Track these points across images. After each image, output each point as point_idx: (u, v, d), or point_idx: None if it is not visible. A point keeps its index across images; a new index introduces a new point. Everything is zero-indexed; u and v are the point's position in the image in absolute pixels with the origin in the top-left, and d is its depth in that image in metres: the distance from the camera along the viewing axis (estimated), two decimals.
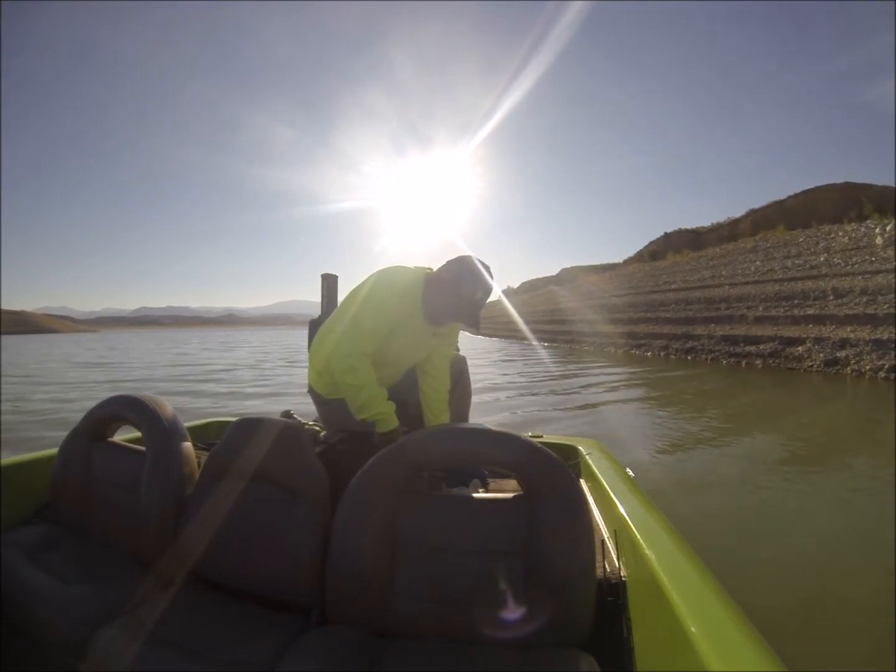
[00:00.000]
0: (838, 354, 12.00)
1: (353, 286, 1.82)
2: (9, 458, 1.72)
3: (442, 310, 1.69)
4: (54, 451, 1.74)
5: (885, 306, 12.33)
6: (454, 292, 1.65)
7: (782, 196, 36.75)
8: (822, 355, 12.28)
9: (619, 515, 1.25)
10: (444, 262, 1.72)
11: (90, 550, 1.51)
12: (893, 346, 10.97)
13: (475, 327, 1.70)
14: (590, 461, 1.81)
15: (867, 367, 11.02)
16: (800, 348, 13.13)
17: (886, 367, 10.61)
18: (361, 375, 1.57)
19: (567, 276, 55.32)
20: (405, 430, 1.74)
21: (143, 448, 1.58)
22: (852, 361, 11.53)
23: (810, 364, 12.31)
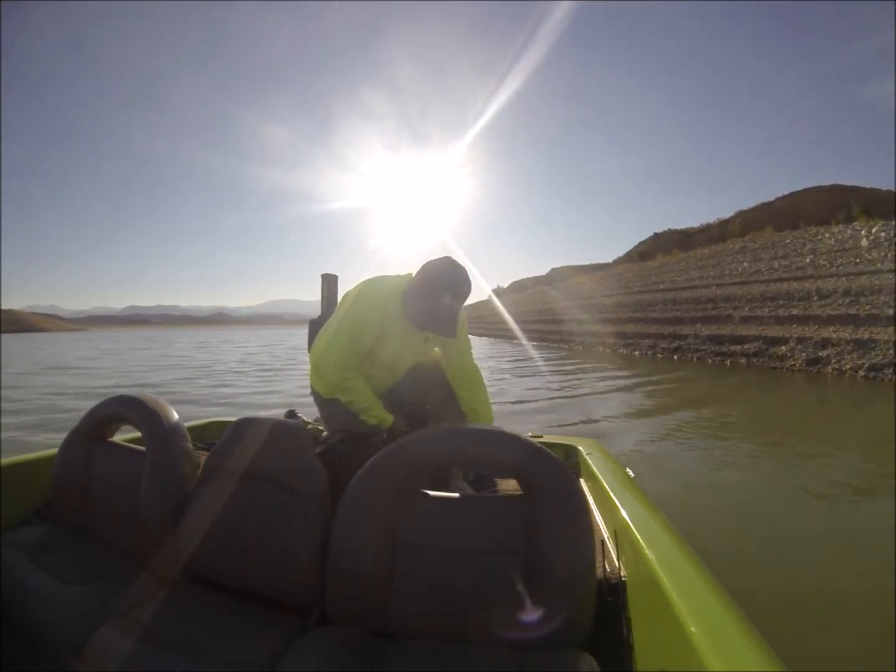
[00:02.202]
0: (820, 354, 12.22)
1: (350, 285, 1.84)
2: (9, 458, 1.71)
3: (419, 318, 1.68)
4: (54, 451, 1.74)
5: (867, 307, 12.55)
6: (424, 298, 1.64)
7: (771, 198, 37.13)
8: (804, 354, 12.50)
9: (619, 515, 1.25)
10: (421, 267, 1.69)
11: (90, 550, 1.50)
12: (874, 345, 11.15)
13: (448, 335, 1.67)
14: (590, 461, 1.82)
15: (847, 367, 11.25)
16: (783, 348, 13.35)
17: (866, 366, 10.83)
18: (352, 392, 1.68)
19: (557, 276, 55.49)
20: (406, 429, 1.76)
21: (143, 448, 1.58)
22: (833, 361, 11.75)
23: (793, 363, 12.53)
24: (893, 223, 16.01)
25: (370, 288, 1.71)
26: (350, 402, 1.69)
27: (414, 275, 1.72)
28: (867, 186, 32.71)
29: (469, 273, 1.70)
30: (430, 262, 1.68)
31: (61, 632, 1.13)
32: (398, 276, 1.76)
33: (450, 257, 1.68)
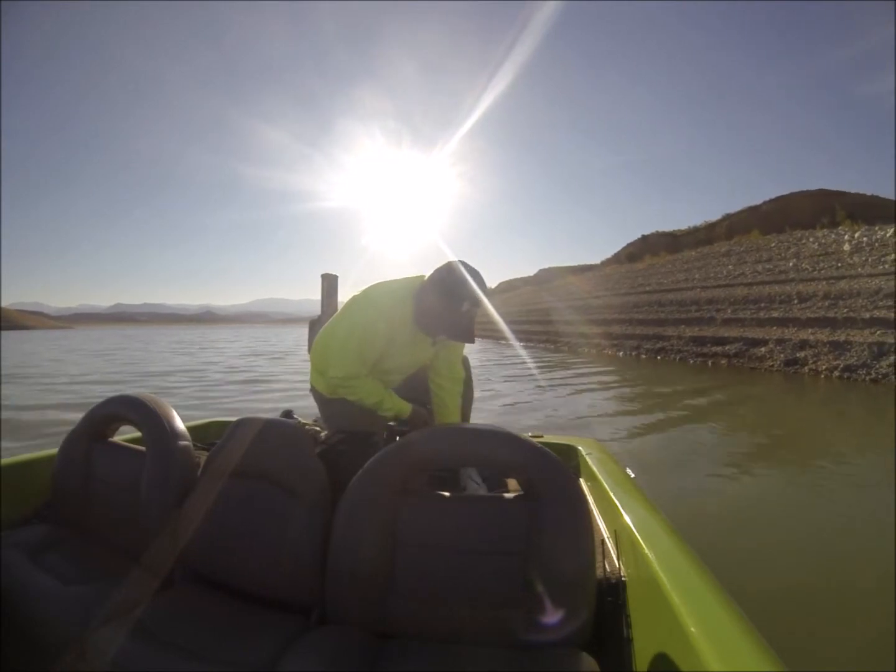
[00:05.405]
0: (798, 355, 12.53)
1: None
2: (9, 458, 1.71)
3: (434, 325, 1.65)
4: (54, 451, 1.73)
5: (845, 310, 12.82)
6: (444, 308, 1.59)
7: (758, 201, 37.59)
8: (782, 356, 12.80)
9: (619, 515, 1.26)
10: (432, 272, 1.64)
11: (90, 550, 1.50)
12: (849, 347, 11.36)
13: (470, 341, 1.66)
14: (589, 461, 1.83)
15: (823, 367, 11.55)
16: (763, 349, 13.64)
17: (841, 366, 11.10)
18: (358, 391, 1.65)
19: (545, 277, 55.68)
20: (405, 429, 1.77)
21: (143, 448, 1.58)
22: (810, 361, 12.04)
23: (771, 364, 12.81)
24: (876, 228, 16.28)
25: (378, 295, 1.67)
26: (359, 400, 1.66)
27: (426, 280, 1.66)
28: (852, 191, 33.21)
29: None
30: (443, 267, 1.62)
31: (61, 632, 1.12)
32: (405, 279, 1.72)
33: (462, 261, 1.63)
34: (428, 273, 1.67)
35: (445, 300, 1.58)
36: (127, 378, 13.97)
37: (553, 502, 1.10)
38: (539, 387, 10.56)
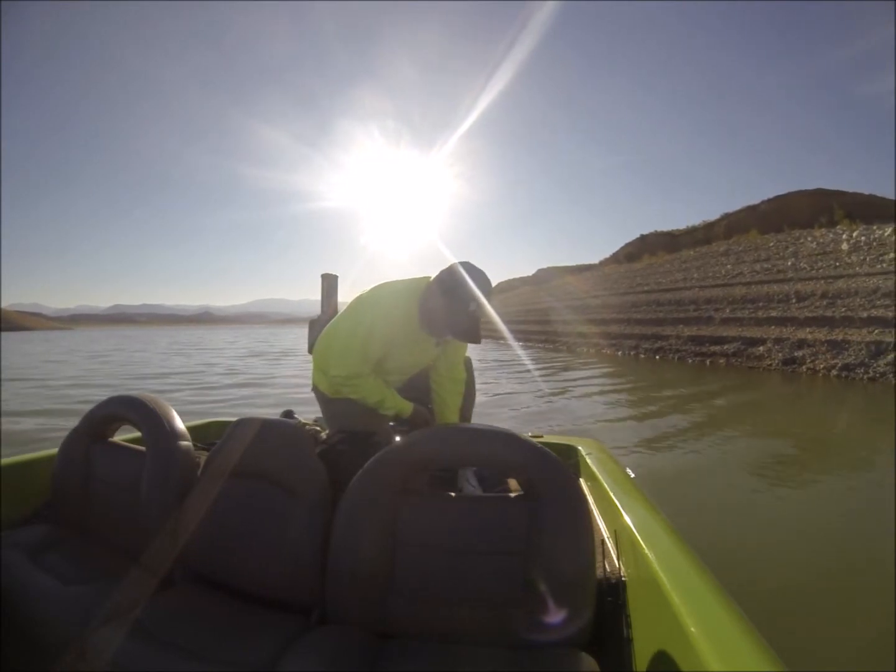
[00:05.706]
0: (796, 354, 12.57)
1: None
2: (9, 458, 1.71)
3: (440, 326, 1.66)
4: (54, 451, 1.73)
5: (843, 309, 12.85)
6: (450, 310, 1.59)
7: (756, 200, 37.57)
8: (780, 355, 12.85)
9: (619, 515, 1.27)
10: (438, 273, 1.64)
11: (90, 550, 1.50)
12: (847, 346, 11.38)
13: (475, 341, 1.66)
14: (589, 461, 1.84)
15: (821, 366, 11.59)
16: (761, 348, 13.69)
17: (839, 365, 11.14)
18: (360, 390, 1.65)
19: (544, 277, 55.70)
20: (405, 429, 1.77)
21: (143, 448, 1.58)
22: (808, 361, 12.09)
23: (769, 363, 12.86)
24: (874, 227, 16.30)
25: (383, 295, 1.67)
26: (361, 398, 1.67)
27: (432, 281, 1.66)
28: (850, 191, 33.27)
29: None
30: (449, 269, 1.62)
31: (61, 632, 1.12)
32: (410, 280, 1.71)
33: (468, 262, 1.63)
34: (432, 273, 1.68)
35: (450, 301, 1.58)
36: (124, 380, 13.91)
37: (553, 502, 1.10)
38: (539, 389, 10.48)
